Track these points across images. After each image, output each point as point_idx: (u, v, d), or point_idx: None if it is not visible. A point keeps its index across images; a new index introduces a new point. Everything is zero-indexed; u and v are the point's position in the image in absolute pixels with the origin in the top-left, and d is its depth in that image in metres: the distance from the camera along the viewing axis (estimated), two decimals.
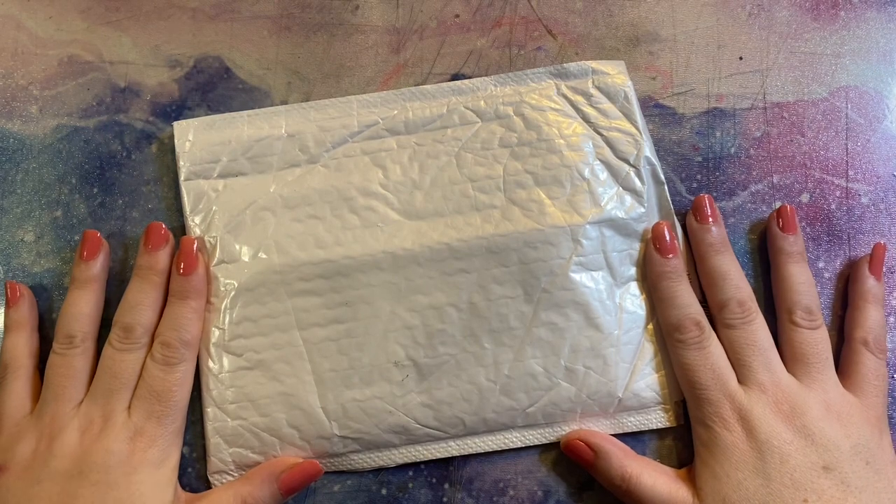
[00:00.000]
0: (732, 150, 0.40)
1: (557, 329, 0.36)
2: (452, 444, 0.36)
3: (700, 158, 0.40)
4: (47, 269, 0.38)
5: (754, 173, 0.40)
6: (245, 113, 0.39)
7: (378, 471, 0.37)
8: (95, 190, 0.39)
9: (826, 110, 0.40)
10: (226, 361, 0.36)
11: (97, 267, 0.36)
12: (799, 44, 0.41)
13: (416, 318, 0.36)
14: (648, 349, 0.37)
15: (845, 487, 0.32)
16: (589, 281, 0.37)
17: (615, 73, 0.38)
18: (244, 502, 0.34)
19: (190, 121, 0.38)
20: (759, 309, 0.36)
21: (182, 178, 0.38)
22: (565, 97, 0.38)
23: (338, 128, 0.38)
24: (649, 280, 0.37)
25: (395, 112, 0.38)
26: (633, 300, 0.37)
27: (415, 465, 0.37)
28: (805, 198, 0.39)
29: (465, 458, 0.37)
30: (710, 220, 0.37)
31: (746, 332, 0.35)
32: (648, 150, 0.38)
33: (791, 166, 0.40)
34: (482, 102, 0.38)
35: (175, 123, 0.38)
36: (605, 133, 0.38)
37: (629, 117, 0.38)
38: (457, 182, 0.37)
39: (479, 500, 0.37)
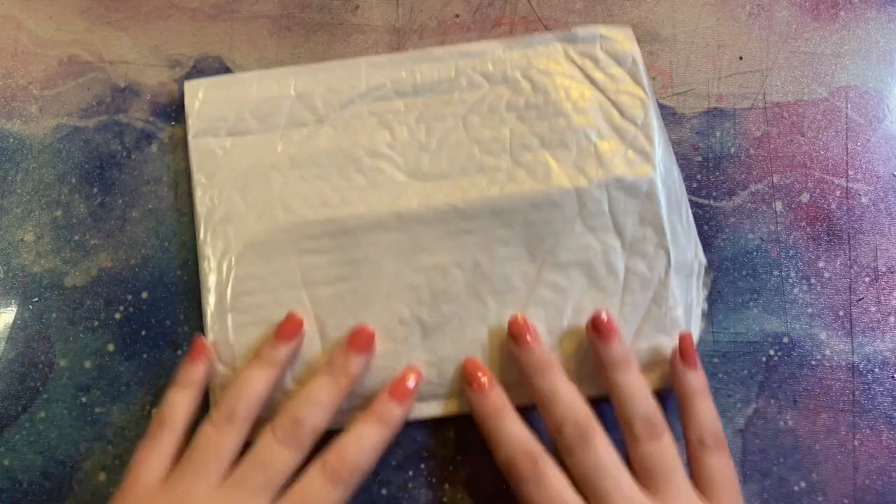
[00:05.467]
0: (732, 150, 0.40)
1: (560, 289, 0.37)
2: (454, 401, 0.36)
3: (700, 158, 0.40)
4: (47, 269, 0.38)
5: (754, 173, 0.40)
6: (255, 73, 0.39)
7: (377, 472, 0.37)
8: (95, 190, 0.39)
9: (826, 110, 0.40)
10: (230, 319, 0.36)
11: (287, 352, 0.34)
12: (799, 44, 0.41)
13: (420, 278, 0.37)
14: (655, 312, 0.37)
15: None
16: (593, 242, 0.37)
17: (623, 39, 0.39)
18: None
19: (201, 80, 0.39)
20: (598, 426, 0.32)
21: (190, 135, 0.38)
22: (573, 61, 0.39)
23: (346, 88, 0.38)
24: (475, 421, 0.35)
25: (404, 74, 0.39)
26: (642, 262, 0.37)
27: (415, 466, 0.37)
28: (805, 198, 0.39)
29: (465, 458, 0.37)
30: (529, 339, 0.35)
31: (587, 454, 0.32)
32: (654, 114, 0.38)
33: (791, 166, 0.40)
34: (490, 66, 0.39)
35: (186, 82, 0.39)
36: (612, 96, 0.38)
37: (637, 81, 0.38)
38: (463, 144, 0.38)
39: (479, 500, 0.37)
